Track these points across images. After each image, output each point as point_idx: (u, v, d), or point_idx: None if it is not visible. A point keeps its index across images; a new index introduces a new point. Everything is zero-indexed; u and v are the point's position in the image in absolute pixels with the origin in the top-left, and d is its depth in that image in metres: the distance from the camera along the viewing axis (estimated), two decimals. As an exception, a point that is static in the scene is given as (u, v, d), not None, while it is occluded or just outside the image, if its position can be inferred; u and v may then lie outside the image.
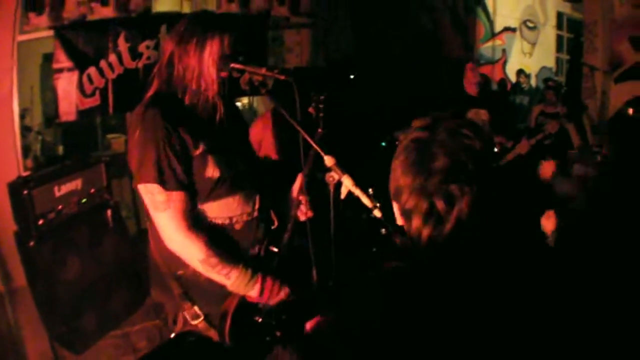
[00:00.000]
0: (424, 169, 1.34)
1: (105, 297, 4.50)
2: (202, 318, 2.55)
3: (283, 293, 2.56)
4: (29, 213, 4.00)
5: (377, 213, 2.83)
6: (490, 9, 11.46)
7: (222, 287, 2.46)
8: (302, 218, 2.75)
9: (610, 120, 7.01)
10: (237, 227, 2.59)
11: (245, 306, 2.51)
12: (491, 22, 11.56)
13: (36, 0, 5.17)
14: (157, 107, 2.35)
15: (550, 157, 4.34)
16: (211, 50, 2.41)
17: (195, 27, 2.44)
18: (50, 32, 5.20)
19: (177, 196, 2.34)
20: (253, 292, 2.48)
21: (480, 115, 5.20)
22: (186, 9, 7.17)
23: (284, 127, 4.83)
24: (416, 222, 1.37)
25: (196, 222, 2.43)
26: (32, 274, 4.09)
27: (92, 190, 4.51)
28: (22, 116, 5.47)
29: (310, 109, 2.66)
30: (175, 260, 2.46)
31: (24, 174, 4.62)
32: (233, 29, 2.47)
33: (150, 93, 2.48)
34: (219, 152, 2.47)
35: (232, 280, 2.43)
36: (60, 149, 6.81)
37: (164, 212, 2.34)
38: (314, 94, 2.63)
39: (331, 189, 2.70)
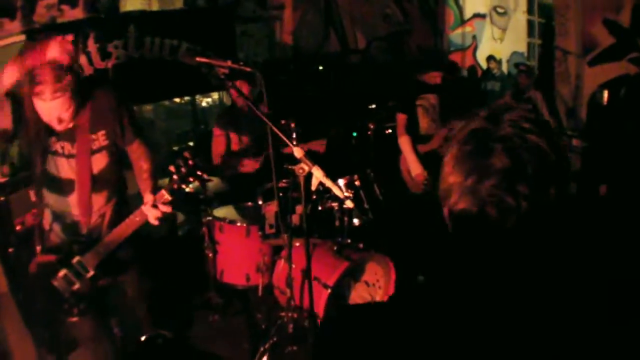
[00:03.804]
0: (479, 165, 1.18)
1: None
2: None
3: None
4: (7, 219, 4.01)
5: (348, 203, 2.89)
6: (459, -5, 11.54)
7: None
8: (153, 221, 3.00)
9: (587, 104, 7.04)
10: (67, 220, 3.12)
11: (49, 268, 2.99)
12: (460, 9, 11.61)
13: (8, 6, 5.17)
14: None
15: None
16: None
17: None
18: (23, 37, 5.19)
19: None
20: None
21: (429, 99, 5.15)
22: (155, 6, 7.16)
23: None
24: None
25: None
26: (13, 280, 4.09)
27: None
28: (-2, 123, 5.46)
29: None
30: None
31: (1, 180, 4.62)
32: None
33: None
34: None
35: None
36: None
37: None
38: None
39: (301, 180, 2.75)
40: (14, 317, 4.09)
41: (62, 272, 2.95)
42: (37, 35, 5.19)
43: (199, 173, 2.81)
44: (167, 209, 2.89)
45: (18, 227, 4.08)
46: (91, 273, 2.95)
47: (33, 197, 4.23)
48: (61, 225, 3.07)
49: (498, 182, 1.15)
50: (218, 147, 5.09)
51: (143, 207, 2.89)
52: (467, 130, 1.24)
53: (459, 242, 1.28)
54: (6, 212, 4.01)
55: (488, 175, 1.16)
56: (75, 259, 2.97)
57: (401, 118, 5.07)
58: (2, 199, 3.99)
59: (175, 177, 2.81)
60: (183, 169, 2.80)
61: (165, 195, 2.85)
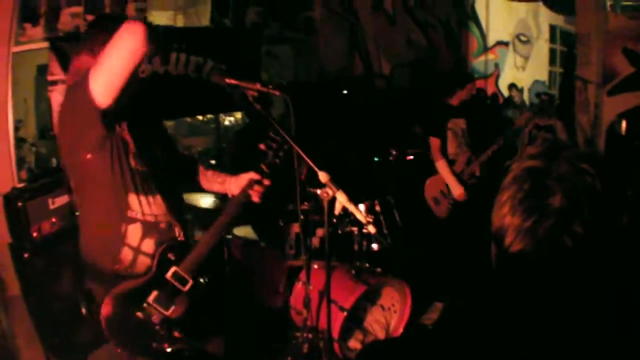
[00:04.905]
0: (537, 206, 1.16)
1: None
2: None
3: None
4: (24, 225, 4.00)
5: (370, 228, 2.86)
6: (483, 23, 11.53)
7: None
8: (256, 198, 2.91)
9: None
10: (162, 226, 2.72)
11: (133, 297, 2.55)
12: (484, 37, 11.62)
13: (32, 12, 5.17)
14: None
15: None
16: None
17: None
18: (45, 44, 5.19)
19: None
20: None
21: (459, 124, 5.21)
22: (180, 22, 7.19)
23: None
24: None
25: None
26: (26, 286, 4.08)
27: (86, 203, 4.50)
28: (17, 128, 5.46)
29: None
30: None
31: (19, 185, 4.62)
32: None
33: None
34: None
35: None
36: (54, 161, 6.80)
37: None
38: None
39: (325, 204, 2.73)
40: (24, 320, 4.08)
41: (153, 295, 2.56)
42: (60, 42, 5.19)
43: (286, 147, 2.90)
44: (269, 182, 2.93)
45: (34, 234, 4.07)
46: (190, 283, 2.63)
47: (51, 205, 4.24)
48: (155, 236, 2.69)
49: (556, 223, 1.14)
50: None
51: (250, 191, 2.88)
52: (522, 168, 1.22)
53: (506, 281, 1.26)
54: (23, 218, 4.01)
55: (546, 216, 1.15)
56: (170, 271, 2.62)
57: (435, 142, 5.15)
58: (19, 204, 3.99)
59: (270, 152, 2.92)
60: (274, 144, 2.91)
61: (265, 169, 2.92)
